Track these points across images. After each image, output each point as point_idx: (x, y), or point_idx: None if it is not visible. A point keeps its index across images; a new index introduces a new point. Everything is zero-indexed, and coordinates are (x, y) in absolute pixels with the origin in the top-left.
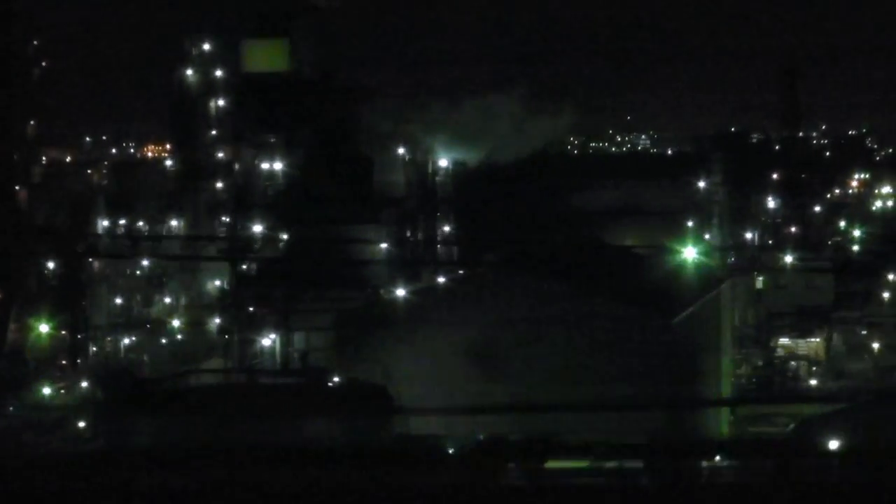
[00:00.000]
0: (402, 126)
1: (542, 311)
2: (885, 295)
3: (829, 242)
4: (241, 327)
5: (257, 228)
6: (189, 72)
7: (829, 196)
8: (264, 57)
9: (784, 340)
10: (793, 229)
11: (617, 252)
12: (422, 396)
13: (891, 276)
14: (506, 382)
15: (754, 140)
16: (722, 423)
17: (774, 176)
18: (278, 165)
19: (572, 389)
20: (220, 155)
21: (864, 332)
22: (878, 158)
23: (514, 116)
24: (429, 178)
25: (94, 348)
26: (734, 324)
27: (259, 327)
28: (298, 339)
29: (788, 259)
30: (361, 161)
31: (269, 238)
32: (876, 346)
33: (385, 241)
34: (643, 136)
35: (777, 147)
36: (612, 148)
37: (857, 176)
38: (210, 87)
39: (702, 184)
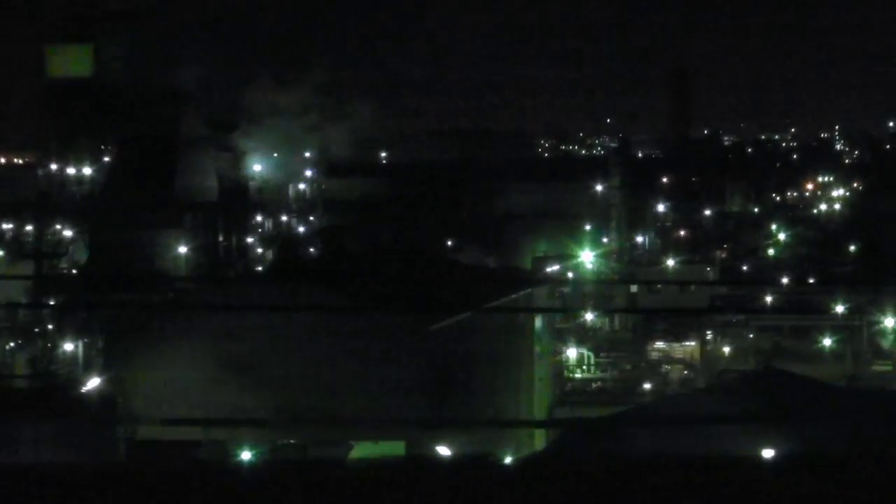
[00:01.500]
0: (216, 129)
1: (302, 319)
2: (768, 299)
3: (725, 246)
4: (44, 331)
5: (67, 233)
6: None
7: (777, 198)
8: (68, 62)
9: (660, 344)
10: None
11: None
12: (168, 403)
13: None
14: (253, 390)
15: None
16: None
17: (664, 180)
18: (87, 170)
19: (318, 396)
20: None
21: (750, 336)
22: (847, 161)
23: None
24: (242, 182)
25: None
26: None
27: (62, 332)
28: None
29: (671, 263)
30: (163, 165)
31: (73, 242)
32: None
33: (185, 246)
34: (616, 140)
35: (668, 151)
36: (582, 150)
37: (820, 179)
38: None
39: (599, 188)
